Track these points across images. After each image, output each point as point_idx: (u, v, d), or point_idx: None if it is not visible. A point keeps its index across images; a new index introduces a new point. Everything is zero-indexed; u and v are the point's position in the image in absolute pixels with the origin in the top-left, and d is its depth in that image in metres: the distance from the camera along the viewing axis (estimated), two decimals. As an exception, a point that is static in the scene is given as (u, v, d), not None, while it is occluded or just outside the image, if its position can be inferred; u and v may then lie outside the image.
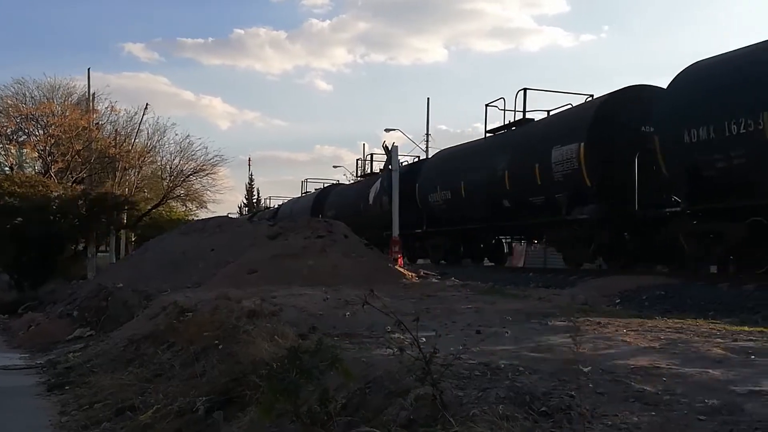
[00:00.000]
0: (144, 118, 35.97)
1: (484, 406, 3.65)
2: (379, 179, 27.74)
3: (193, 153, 36.56)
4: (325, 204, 34.34)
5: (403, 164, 28.25)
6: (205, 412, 5.94)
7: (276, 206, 48.03)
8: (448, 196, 22.31)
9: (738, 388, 4.07)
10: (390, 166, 23.47)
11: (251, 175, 76.85)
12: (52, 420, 7.39)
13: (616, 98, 16.62)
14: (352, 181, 38.67)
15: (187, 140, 37.02)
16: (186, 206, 41.49)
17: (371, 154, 35.55)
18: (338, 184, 40.12)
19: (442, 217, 23.21)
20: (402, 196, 22.36)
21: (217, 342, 7.66)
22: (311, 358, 4.50)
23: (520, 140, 19.26)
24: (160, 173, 38.81)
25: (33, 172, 31.80)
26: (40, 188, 25.91)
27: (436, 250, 24.41)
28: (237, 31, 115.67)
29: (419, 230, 24.56)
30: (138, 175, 36.56)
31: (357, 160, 36.64)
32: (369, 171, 34.12)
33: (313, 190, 42.52)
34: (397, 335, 5.08)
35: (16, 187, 25.22)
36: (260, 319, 7.95)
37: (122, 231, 33.42)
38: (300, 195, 44.23)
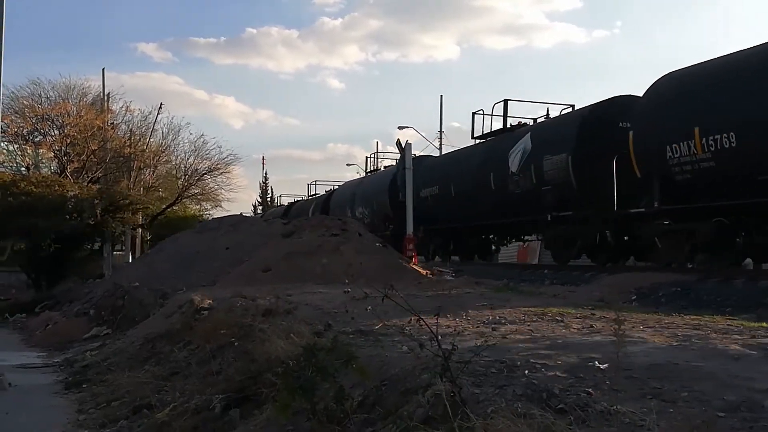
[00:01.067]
0: (158, 118, 36.21)
1: (501, 403, 3.65)
2: (526, 135, 18.62)
3: (207, 152, 36.74)
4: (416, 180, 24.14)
5: (571, 108, 19.71)
6: (221, 409, 5.97)
7: (325, 192, 39.57)
8: (723, 144, 12.27)
9: (757, 385, 4.04)
10: (404, 166, 23.13)
11: (265, 173, 76.61)
12: (69, 418, 7.45)
13: None
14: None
15: (201, 139, 37.19)
16: (201, 205, 41.69)
17: (505, 101, 21.66)
18: (428, 156, 28.79)
19: (695, 184, 13.18)
20: (592, 160, 15.93)
21: (233, 340, 7.71)
22: (327, 356, 4.52)
23: None
24: (174, 172, 39.00)
25: (49, 172, 31.99)
26: (56, 188, 26.09)
27: (677, 242, 13.94)
28: (249, 30, 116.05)
29: (641, 209, 14.70)
30: (153, 174, 36.76)
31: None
32: (502, 126, 21.70)
33: (382, 168, 32.52)
34: (413, 332, 5.07)
35: (33, 187, 25.41)
36: (275, 318, 7.98)
37: (138, 230, 33.60)
38: (364, 174, 35.29)
